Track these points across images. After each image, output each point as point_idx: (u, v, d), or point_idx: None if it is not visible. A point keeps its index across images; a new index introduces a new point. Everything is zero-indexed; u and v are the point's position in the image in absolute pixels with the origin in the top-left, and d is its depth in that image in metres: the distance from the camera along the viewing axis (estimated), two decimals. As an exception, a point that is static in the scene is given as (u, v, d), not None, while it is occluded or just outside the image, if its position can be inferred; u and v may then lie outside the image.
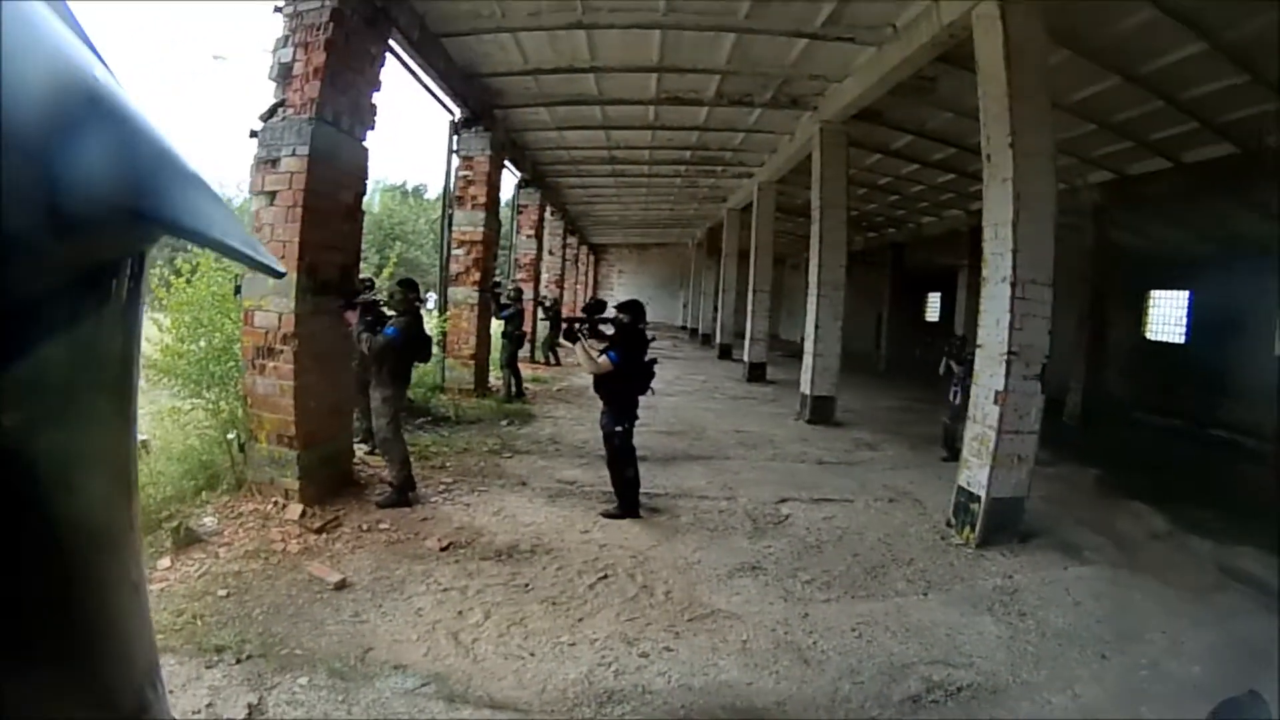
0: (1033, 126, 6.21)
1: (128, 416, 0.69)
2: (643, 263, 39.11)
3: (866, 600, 5.02)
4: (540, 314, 17.68)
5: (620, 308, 6.30)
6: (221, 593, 4.39)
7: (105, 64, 0.58)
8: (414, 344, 6.17)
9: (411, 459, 7.23)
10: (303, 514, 5.59)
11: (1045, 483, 7.67)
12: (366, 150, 6.48)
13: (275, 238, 5.72)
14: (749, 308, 17.38)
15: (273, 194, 5.76)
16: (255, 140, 5.90)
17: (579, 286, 32.40)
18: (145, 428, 6.95)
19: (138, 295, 0.66)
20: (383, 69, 6.66)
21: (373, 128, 6.52)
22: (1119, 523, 7.09)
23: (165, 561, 4.71)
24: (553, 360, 18.02)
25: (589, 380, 14.59)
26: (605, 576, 5.01)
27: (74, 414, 0.59)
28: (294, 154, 5.71)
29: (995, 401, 6.23)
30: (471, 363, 11.55)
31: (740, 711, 3.60)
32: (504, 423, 10.02)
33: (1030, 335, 6.17)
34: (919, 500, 7.43)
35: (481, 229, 11.43)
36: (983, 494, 6.21)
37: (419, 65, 8.59)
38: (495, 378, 12.49)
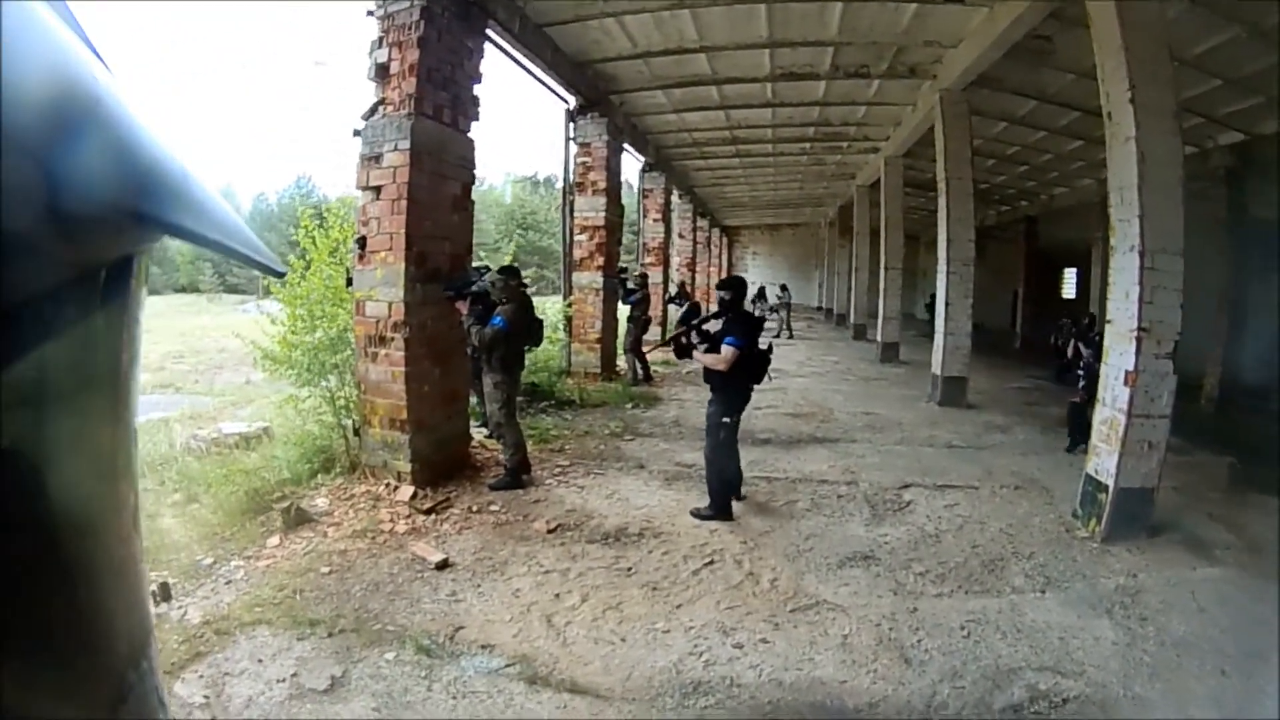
0: (1153, 80, 5.64)
1: (127, 415, 0.69)
2: (775, 244, 38.57)
3: (980, 596, 4.69)
4: (667, 298, 17.58)
5: (721, 285, 5.87)
6: (324, 570, 4.57)
7: (105, 64, 0.58)
8: (523, 330, 6.17)
9: (530, 442, 7.37)
10: (413, 496, 5.74)
11: (1177, 472, 7.04)
12: (471, 141, 6.57)
13: (382, 230, 5.90)
14: (881, 286, 16.73)
15: (378, 189, 5.91)
16: (359, 139, 6.06)
17: (712, 269, 32.15)
18: (267, 415, 7.36)
19: (138, 295, 0.65)
20: (481, 61, 6.71)
21: (477, 119, 6.60)
22: (1253, 521, 6.43)
23: (275, 540, 4.97)
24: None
25: (714, 363, 14.63)
26: (711, 562, 4.84)
27: (73, 413, 0.59)
28: (395, 149, 5.84)
29: (1125, 383, 5.72)
30: (597, 347, 11.60)
31: (829, 711, 3.40)
32: (628, 406, 10.01)
33: (1161, 310, 5.62)
34: (1046, 489, 6.95)
35: (603, 214, 11.44)
36: (1110, 483, 5.72)
37: (526, 56, 8.65)
38: (623, 362, 12.50)
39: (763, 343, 5.91)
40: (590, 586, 4.40)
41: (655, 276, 17.18)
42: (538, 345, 6.59)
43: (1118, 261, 5.90)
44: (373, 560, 4.72)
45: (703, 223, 28.52)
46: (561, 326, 11.56)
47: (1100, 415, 6.01)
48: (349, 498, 5.78)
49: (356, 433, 6.25)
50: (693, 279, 23.98)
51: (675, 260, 23.28)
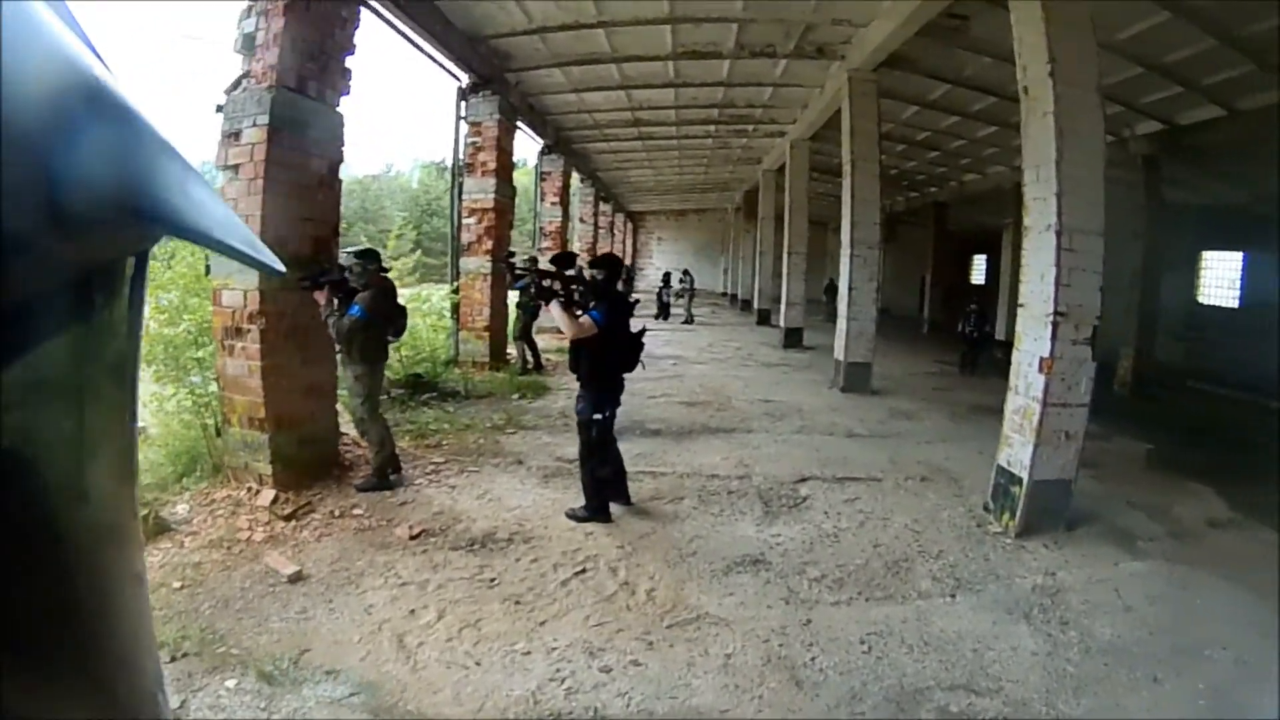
0: (1075, 54, 5.46)
1: (129, 415, 0.70)
2: (681, 229, 38.65)
3: (883, 603, 4.36)
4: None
5: (594, 263, 5.48)
6: (176, 585, 4.17)
7: (105, 64, 0.56)
8: (384, 319, 5.73)
9: (407, 438, 7.03)
10: (275, 500, 5.30)
11: (1095, 458, 7.04)
12: (341, 117, 6.09)
13: (240, 211, 5.33)
14: (784, 271, 16.81)
15: (236, 167, 5.44)
16: (220, 115, 5.59)
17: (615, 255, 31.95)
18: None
19: (138, 294, 0.65)
20: (356, 31, 6.25)
21: (347, 93, 6.14)
22: (1176, 507, 6.41)
23: None
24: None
25: (616, 350, 14.42)
26: (583, 571, 4.49)
27: (75, 413, 0.59)
28: (254, 124, 5.39)
29: (1040, 370, 5.48)
30: (486, 335, 11.20)
31: (707, 748, 3.02)
32: (515, 397, 9.65)
33: (1080, 293, 5.42)
34: (955, 479, 6.76)
35: (493, 197, 11.01)
36: (1025, 476, 5.49)
37: (414, 29, 8.21)
38: (514, 350, 12.12)
39: (635, 326, 5.57)
40: (448, 600, 4.04)
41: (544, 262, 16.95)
42: (400, 335, 6.15)
43: (1032, 242, 5.72)
44: (226, 573, 4.31)
45: (606, 207, 28.33)
46: (449, 314, 11.12)
47: (1013, 404, 5.82)
48: (210, 503, 5.33)
49: (218, 433, 5.76)
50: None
51: (576, 245, 23.00)
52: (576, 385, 9.66)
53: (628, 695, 3.26)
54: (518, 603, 4.05)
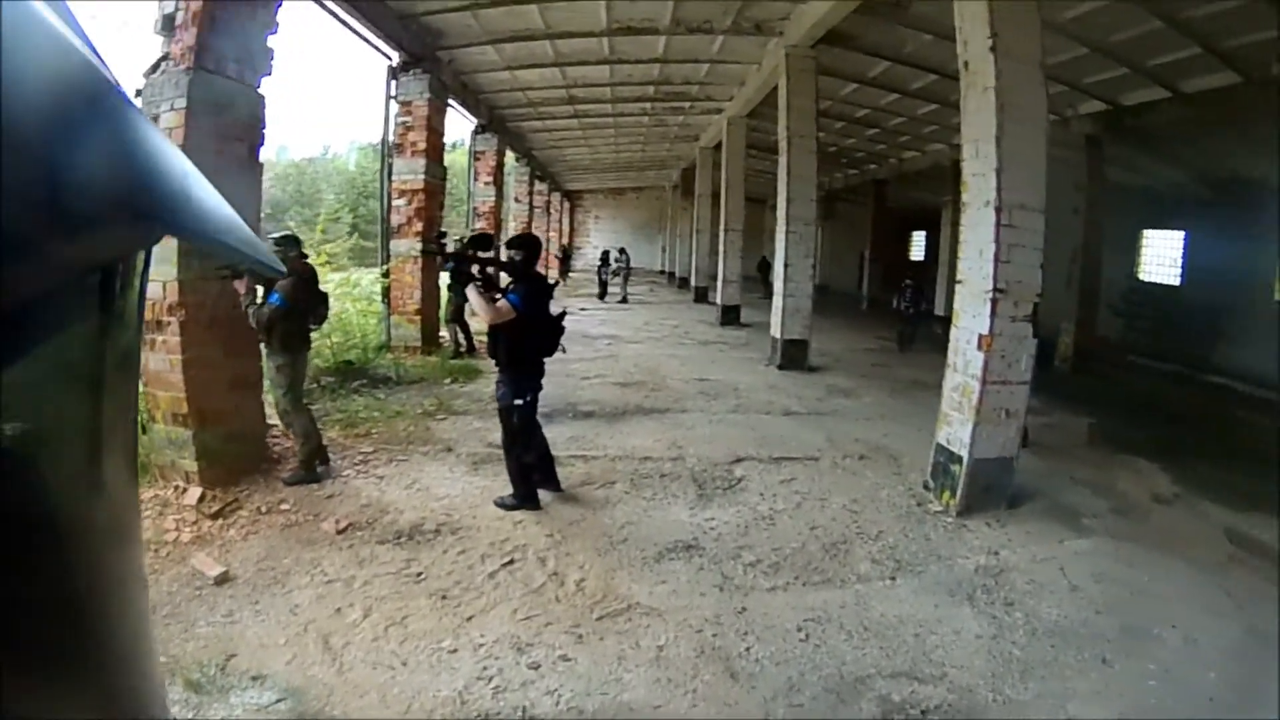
0: (1017, 27, 5.37)
1: (129, 415, 0.71)
2: (619, 207, 38.51)
3: (820, 588, 4.26)
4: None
5: (511, 244, 5.26)
6: None
7: (105, 64, 0.56)
8: (305, 307, 5.56)
9: (336, 427, 6.89)
10: (201, 498, 5.13)
11: (1037, 434, 7.19)
12: (262, 98, 5.83)
13: None
14: (721, 249, 16.84)
15: None
16: (140, 99, 5.30)
17: (552, 234, 31.71)
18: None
19: (138, 295, 0.66)
20: (279, 8, 5.95)
21: (268, 73, 5.88)
22: (1120, 483, 6.48)
23: None
24: (521, 309, 17.38)
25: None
26: (511, 562, 4.38)
27: (75, 412, 0.60)
28: (172, 108, 5.15)
29: (979, 347, 5.41)
30: (418, 319, 10.96)
31: (638, 746, 2.98)
32: (447, 381, 9.50)
33: (1019, 270, 5.39)
34: (894, 457, 6.76)
35: (423, 177, 10.73)
36: (965, 454, 5.44)
37: (341, 6, 7.96)
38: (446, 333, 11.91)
39: (568, 308, 5.47)
40: (375, 597, 3.92)
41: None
42: (321, 323, 5.96)
43: (971, 218, 5.63)
44: (153, 577, 4.13)
45: (542, 186, 28.01)
46: (380, 298, 10.90)
47: (951, 381, 5.75)
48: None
49: (144, 430, 5.49)
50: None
51: (512, 225, 22.70)
52: None
53: (557, 692, 3.18)
54: (444, 598, 3.95)
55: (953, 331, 5.81)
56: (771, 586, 4.26)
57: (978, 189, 5.54)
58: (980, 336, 5.41)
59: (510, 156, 20.64)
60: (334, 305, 10.73)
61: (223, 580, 4.11)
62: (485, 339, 13.33)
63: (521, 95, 15.02)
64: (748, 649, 3.61)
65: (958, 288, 5.80)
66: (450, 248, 11.49)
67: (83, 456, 0.62)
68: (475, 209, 16.79)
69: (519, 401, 5.06)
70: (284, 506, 5.16)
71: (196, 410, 5.27)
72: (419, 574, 4.22)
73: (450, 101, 12.34)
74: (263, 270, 0.63)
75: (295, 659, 3.39)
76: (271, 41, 5.87)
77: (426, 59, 10.61)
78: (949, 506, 5.50)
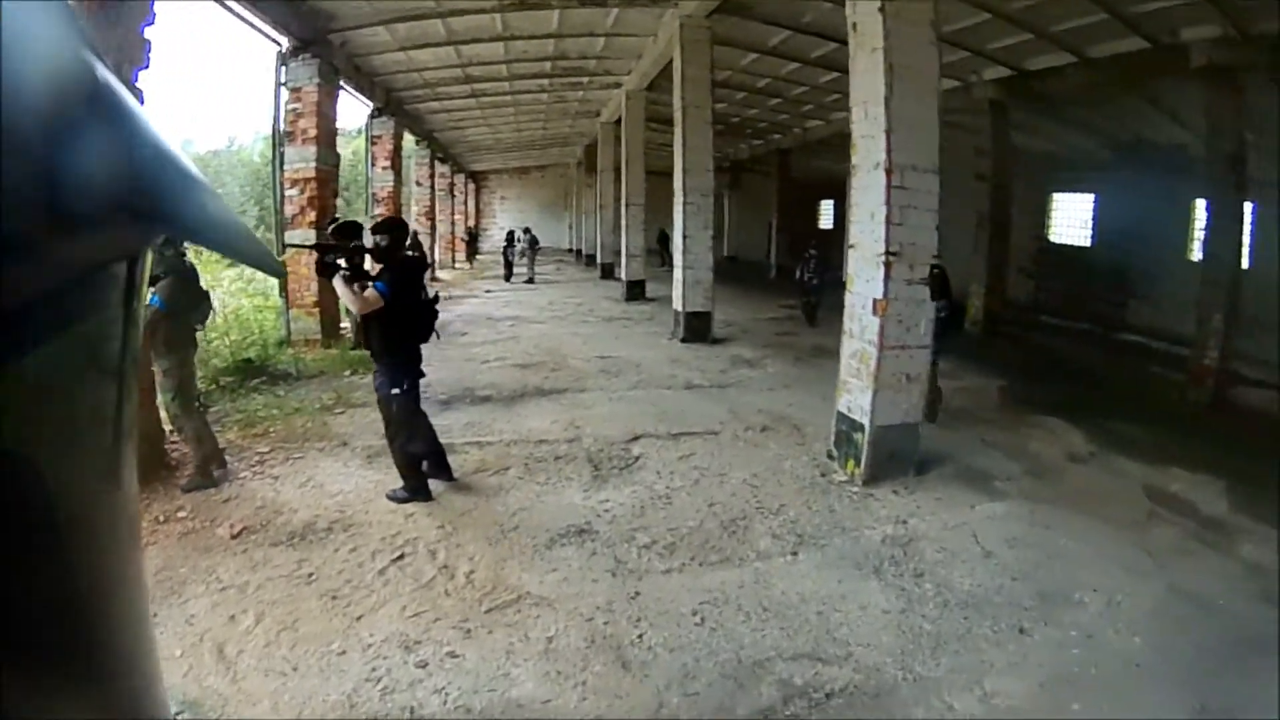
0: None
1: (127, 415, 0.68)
2: (525, 187, 38.06)
3: (718, 567, 4.17)
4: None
5: (376, 229, 5.09)
6: None
7: (105, 64, 0.55)
8: (187, 307, 5.42)
9: (235, 428, 6.77)
10: None
11: (950, 396, 7.22)
12: (140, 91, 5.56)
13: None
14: (623, 224, 16.90)
15: None
16: None
17: (458, 217, 31.18)
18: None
19: (138, 295, 0.64)
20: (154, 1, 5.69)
21: (146, 65, 5.63)
22: (1033, 443, 6.46)
23: None
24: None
25: (453, 315, 14.14)
26: (401, 556, 4.33)
27: (74, 413, 0.59)
28: None
29: (874, 312, 5.31)
30: (316, 310, 10.68)
31: (526, 744, 2.94)
32: (348, 373, 9.31)
33: (912, 232, 5.29)
34: (798, 426, 6.69)
35: (314, 165, 10.43)
36: (867, 422, 5.37)
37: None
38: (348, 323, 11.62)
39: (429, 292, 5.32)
40: (267, 602, 3.86)
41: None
42: (203, 322, 5.78)
43: (861, 180, 5.53)
44: None
45: (444, 169, 27.42)
46: (278, 292, 10.58)
47: (848, 348, 5.66)
48: None
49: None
50: (432, 227, 23.06)
51: (413, 209, 22.29)
52: None
53: (444, 691, 3.16)
54: (334, 598, 3.91)
55: (847, 297, 5.75)
56: (667, 569, 4.17)
57: (867, 151, 5.47)
58: (875, 301, 5.32)
59: (410, 140, 20.21)
60: (230, 302, 10.44)
61: None
62: None
63: (418, 76, 14.70)
64: (640, 636, 3.53)
65: (850, 252, 5.72)
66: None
67: (75, 458, 0.60)
68: (374, 194, 16.38)
69: (396, 390, 4.95)
70: (181, 514, 5.04)
71: None
72: (310, 575, 4.17)
73: (345, 86, 12.05)
74: (265, 270, 0.67)
75: (191, 670, 3.36)
76: (149, 33, 5.61)
77: (317, 43, 10.29)
78: (854, 476, 5.43)
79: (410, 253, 13.69)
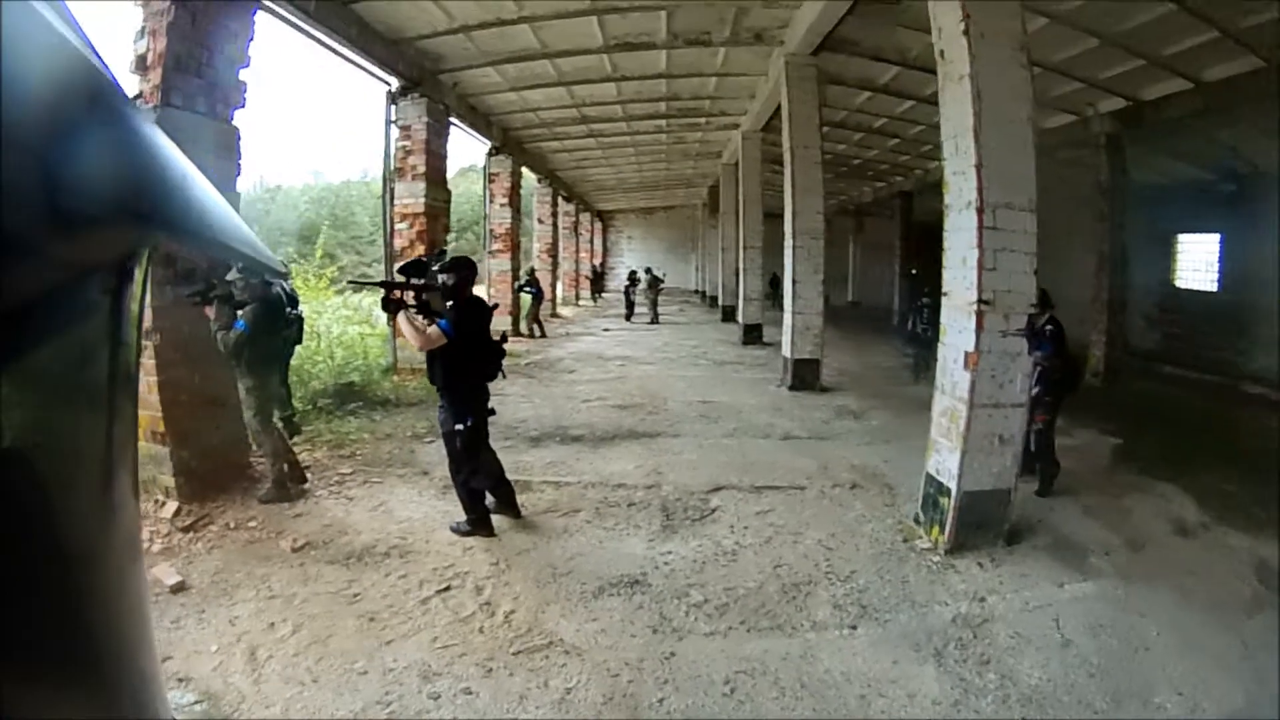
0: (992, 6, 5.02)
1: (128, 415, 0.71)
2: (651, 227, 38.68)
3: (766, 635, 3.93)
4: (517, 286, 17.47)
5: (444, 268, 5.20)
6: None
7: (105, 64, 0.57)
8: (270, 331, 5.80)
9: (325, 447, 7.18)
10: (177, 512, 5.46)
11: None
12: (235, 130, 6.22)
13: None
14: (741, 266, 16.92)
15: None
16: None
17: (583, 255, 32.09)
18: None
19: (138, 295, 0.68)
20: (249, 44, 6.35)
21: (241, 105, 6.26)
22: (1139, 511, 5.96)
23: None
24: (538, 333, 17.76)
25: (565, 352, 14.46)
26: (448, 588, 4.44)
27: (75, 413, 0.61)
28: None
29: (965, 366, 4.98)
30: (420, 341, 11.18)
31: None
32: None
33: (1007, 278, 4.96)
34: (890, 486, 6.34)
35: (422, 200, 11.08)
36: (954, 486, 5.00)
37: (329, 36, 8.33)
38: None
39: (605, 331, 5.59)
40: (308, 615, 4.09)
41: (504, 264, 17.11)
42: (297, 343, 6.23)
43: (953, 221, 5.26)
44: None
45: (569, 207, 28.46)
46: (385, 320, 11.22)
47: (939, 405, 5.34)
48: None
49: (130, 446, 5.84)
50: (554, 265, 23.80)
51: (536, 246, 23.14)
52: (510, 391, 9.49)
53: None
54: (372, 619, 4.07)
55: (939, 350, 5.45)
56: (711, 631, 3.99)
57: (958, 189, 5.20)
58: (966, 354, 4.99)
59: (533, 178, 21.03)
60: (334, 327, 11.07)
61: (178, 589, 4.40)
62: (518, 360, 13.68)
63: (534, 116, 15.26)
64: (661, 700, 3.41)
65: (944, 300, 5.42)
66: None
67: (76, 457, 0.62)
68: (492, 230, 17.18)
69: (459, 426, 5.06)
70: (251, 524, 5.41)
71: (173, 429, 5.63)
72: (356, 595, 4.36)
73: (459, 124, 12.79)
74: (266, 271, 0.61)
75: (220, 666, 3.62)
76: (244, 75, 6.25)
77: (425, 83, 10.94)
78: (937, 544, 5.06)
79: (523, 287, 14.17)
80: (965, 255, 5.08)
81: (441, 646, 3.83)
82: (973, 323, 4.95)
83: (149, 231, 0.62)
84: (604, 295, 32.47)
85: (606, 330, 19.86)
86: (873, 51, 10.98)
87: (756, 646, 3.84)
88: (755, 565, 4.81)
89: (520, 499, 5.75)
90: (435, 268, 5.39)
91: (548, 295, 22.65)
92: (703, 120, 16.74)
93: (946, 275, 5.39)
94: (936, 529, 5.14)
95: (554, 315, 23.49)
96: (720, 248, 22.33)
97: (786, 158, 10.87)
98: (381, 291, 5.24)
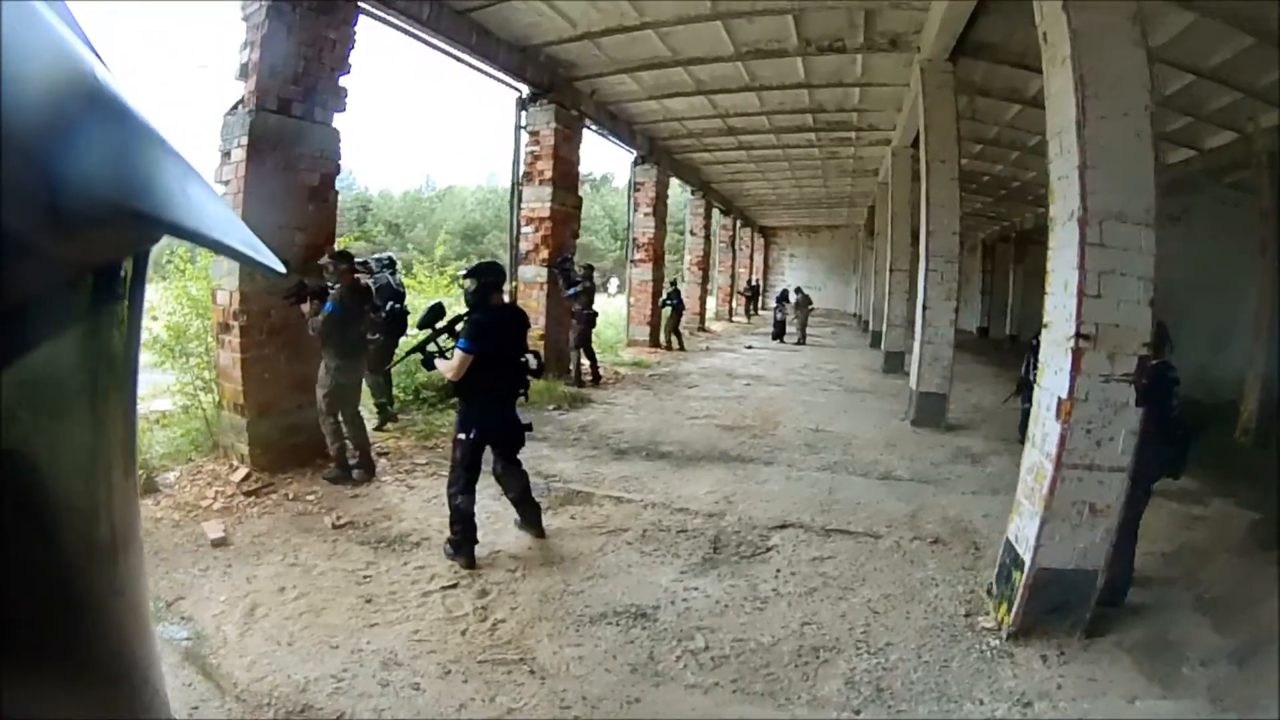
0: None
1: (128, 416, 0.71)
2: (813, 246, 38.06)
3: (753, 701, 3.56)
4: (662, 299, 17.74)
5: (468, 274, 5.09)
6: None
7: (105, 64, 0.58)
8: (357, 315, 6.36)
9: (414, 436, 7.76)
10: (246, 477, 6.11)
11: (1177, 530, 5.86)
12: (335, 132, 6.86)
13: None
14: (885, 289, 16.38)
15: (227, 182, 6.31)
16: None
17: (741, 270, 32.07)
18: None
19: (138, 295, 0.68)
20: (350, 51, 6.96)
21: (341, 110, 6.88)
22: (1265, 609, 4.58)
23: None
24: (676, 345, 17.93)
25: (696, 367, 14.55)
26: (455, 586, 4.55)
27: (74, 414, 0.62)
28: (239, 145, 6.19)
29: (1057, 415, 4.10)
30: (542, 344, 11.44)
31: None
32: (551, 407, 9.88)
33: (1114, 308, 4.02)
34: (977, 544, 5.60)
35: (549, 205, 11.49)
36: (1028, 558, 4.17)
37: (447, 43, 8.87)
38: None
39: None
40: (316, 586, 4.47)
41: (645, 274, 17.39)
42: (394, 337, 6.82)
43: (1056, 237, 4.46)
44: (173, 529, 5.21)
45: (726, 220, 28.61)
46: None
47: (1027, 459, 4.52)
48: (197, 474, 6.27)
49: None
50: (704, 279, 23.91)
51: (686, 258, 23.39)
52: (622, 400, 9.80)
53: (381, 713, 3.29)
54: (369, 601, 4.32)
55: (1036, 392, 4.62)
56: (694, 684, 3.66)
57: (1063, 197, 4.38)
58: (1059, 400, 4.11)
59: (686, 190, 21.24)
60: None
61: (219, 543, 5.01)
62: (634, 366, 13.97)
63: (679, 126, 15.40)
64: None
65: (1043, 334, 4.63)
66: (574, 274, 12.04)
67: (75, 457, 0.63)
68: (635, 239, 17.58)
69: (460, 436, 4.96)
70: (309, 497, 5.99)
71: (252, 403, 6.31)
72: (366, 576, 4.67)
73: (598, 130, 13.28)
74: (265, 270, 0.68)
75: (221, 614, 4.13)
76: (344, 81, 6.86)
77: (556, 89, 11.34)
78: (1001, 624, 4.27)
79: (665, 300, 14.34)
80: (1067, 279, 4.23)
81: (418, 640, 3.96)
82: (1069, 362, 4.08)
83: (149, 231, 0.60)
84: (760, 313, 32.28)
85: (749, 348, 19.74)
86: (1014, 57, 10.05)
87: (735, 712, 3.49)
88: (781, 618, 4.35)
89: (572, 511, 5.86)
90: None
91: (695, 309, 22.80)
92: (852, 134, 16.15)
93: (1048, 303, 4.56)
94: (1004, 607, 4.35)
95: (702, 329, 23.62)
96: (874, 269, 21.68)
97: (922, 171, 10.28)
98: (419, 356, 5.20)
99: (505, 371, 5.02)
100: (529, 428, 5.31)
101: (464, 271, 5.28)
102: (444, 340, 5.06)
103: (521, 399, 5.26)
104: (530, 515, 5.41)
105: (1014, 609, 4.22)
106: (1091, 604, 4.22)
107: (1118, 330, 4.05)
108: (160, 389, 7.65)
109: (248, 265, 0.67)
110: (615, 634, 4.10)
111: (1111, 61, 4.14)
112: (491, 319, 4.94)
